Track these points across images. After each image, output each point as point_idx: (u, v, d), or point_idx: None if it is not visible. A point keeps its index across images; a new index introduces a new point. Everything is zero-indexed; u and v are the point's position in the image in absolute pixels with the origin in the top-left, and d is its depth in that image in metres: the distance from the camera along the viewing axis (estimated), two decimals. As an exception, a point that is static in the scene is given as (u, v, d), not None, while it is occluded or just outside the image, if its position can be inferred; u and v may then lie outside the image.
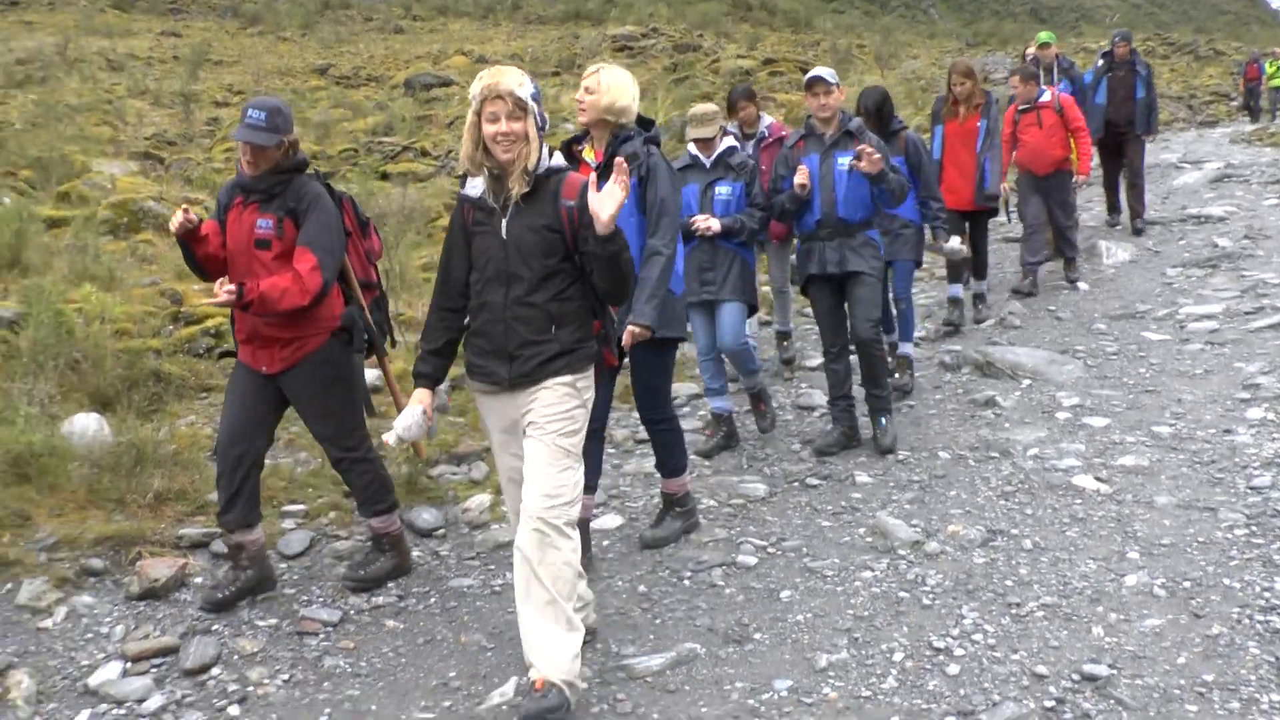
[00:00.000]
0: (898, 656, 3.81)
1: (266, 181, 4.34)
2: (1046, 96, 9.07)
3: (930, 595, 4.29)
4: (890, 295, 7.11)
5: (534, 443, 3.50)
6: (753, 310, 6.23)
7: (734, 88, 7.69)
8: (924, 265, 8.66)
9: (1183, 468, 5.37)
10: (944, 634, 3.94)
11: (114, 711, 3.72)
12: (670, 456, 4.99)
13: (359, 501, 4.68)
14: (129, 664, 4.00)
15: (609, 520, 5.34)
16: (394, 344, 5.07)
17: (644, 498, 5.61)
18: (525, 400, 3.57)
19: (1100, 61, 11.27)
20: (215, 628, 4.28)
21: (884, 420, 6.11)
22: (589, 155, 4.60)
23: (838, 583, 4.48)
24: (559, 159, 3.68)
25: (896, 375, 7.04)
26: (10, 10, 30.78)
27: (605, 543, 5.09)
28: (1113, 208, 11.90)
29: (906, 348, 7.29)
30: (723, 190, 5.92)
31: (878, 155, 5.52)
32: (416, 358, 3.79)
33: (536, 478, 3.44)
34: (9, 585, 4.42)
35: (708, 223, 5.76)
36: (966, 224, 8.32)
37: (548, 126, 3.60)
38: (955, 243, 7.25)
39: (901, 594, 4.31)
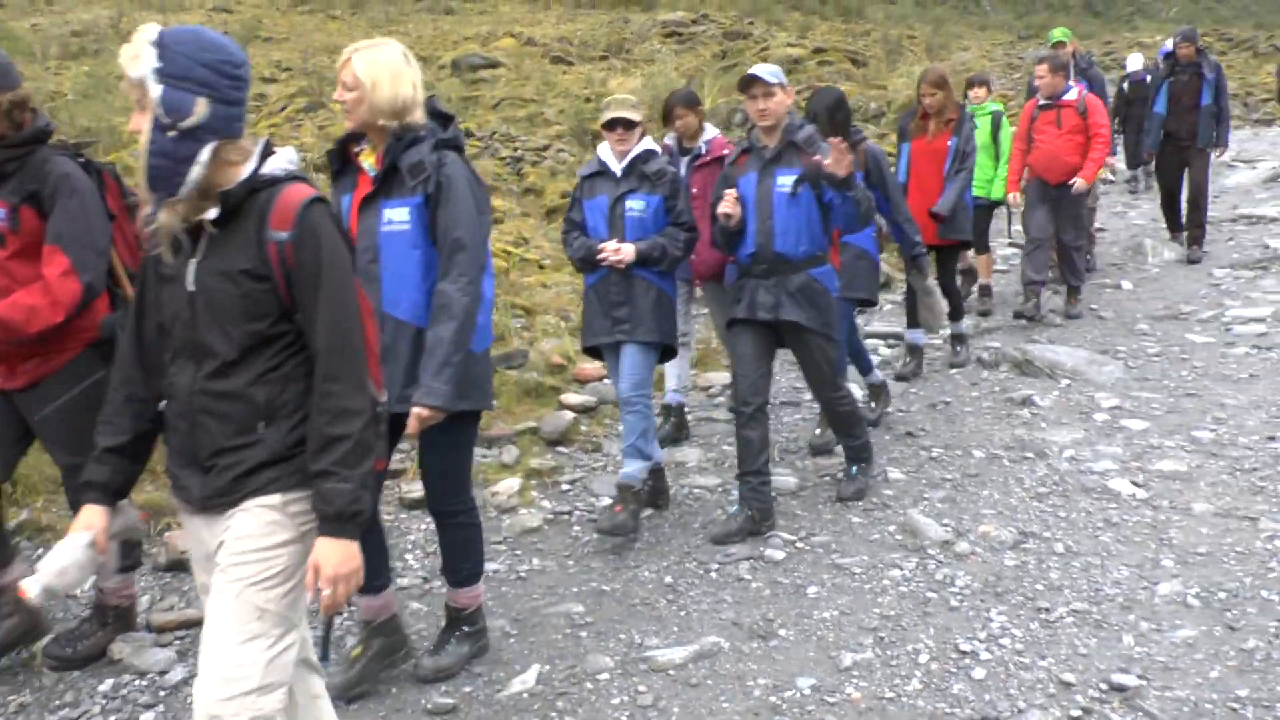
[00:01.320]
0: (923, 658, 3.76)
1: None
2: (1072, 94, 8.07)
3: (959, 597, 4.24)
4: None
5: (215, 595, 2.35)
6: (670, 353, 5.18)
7: (673, 92, 6.27)
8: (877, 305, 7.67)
9: (1223, 475, 5.27)
10: (971, 637, 3.88)
11: (136, 682, 3.76)
12: (462, 559, 3.77)
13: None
14: (154, 635, 4.03)
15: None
16: None
17: (674, 486, 5.56)
18: (219, 528, 2.39)
19: (1160, 64, 10.23)
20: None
21: (855, 468, 5.35)
22: (368, 161, 3.56)
23: (865, 580, 4.43)
24: (280, 162, 2.40)
25: (873, 406, 6.42)
26: (68, -17, 31.22)
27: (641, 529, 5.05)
28: (1174, 227, 10.51)
29: (875, 375, 6.48)
30: (636, 205, 4.87)
31: (848, 157, 4.58)
32: (90, 459, 2.51)
33: (211, 650, 2.31)
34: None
35: (619, 254, 4.79)
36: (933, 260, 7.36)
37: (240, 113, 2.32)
38: (931, 282, 6.71)
39: (930, 594, 4.26)
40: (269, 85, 17.29)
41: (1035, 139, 8.14)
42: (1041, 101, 8.17)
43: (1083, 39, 50.69)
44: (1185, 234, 10.28)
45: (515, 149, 13.71)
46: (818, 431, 6.11)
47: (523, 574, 4.67)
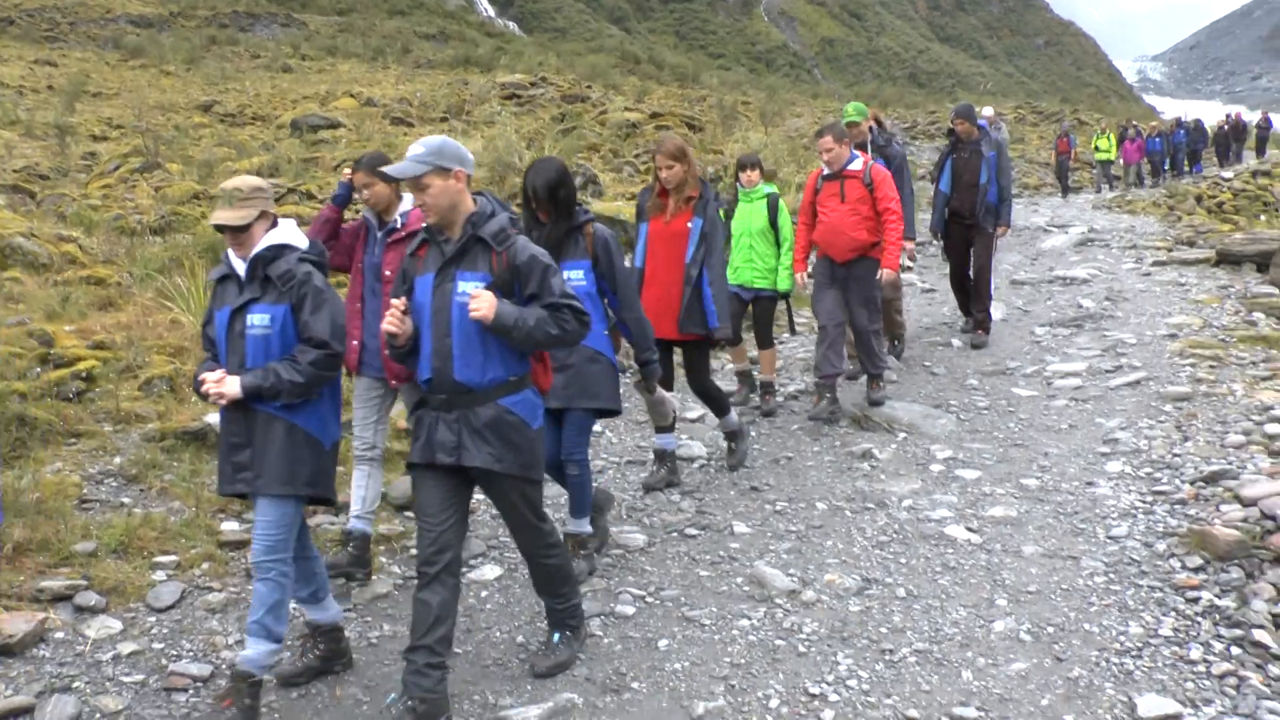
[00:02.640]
0: (774, 703, 3.89)
1: None
2: (857, 164, 7.41)
3: (806, 643, 4.40)
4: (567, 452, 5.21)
5: None
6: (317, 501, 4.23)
7: (361, 156, 5.34)
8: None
9: (1048, 518, 5.62)
10: (819, 680, 4.04)
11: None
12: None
13: None
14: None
15: (488, 571, 5.33)
16: None
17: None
18: None
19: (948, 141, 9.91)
20: (76, 685, 4.13)
21: (559, 636, 4.34)
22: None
23: (715, 631, 4.56)
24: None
25: (583, 552, 5.27)
26: None
27: (484, 593, 5.08)
28: (965, 308, 10.15)
29: (580, 524, 5.26)
30: (258, 320, 3.92)
31: (486, 301, 3.67)
32: None
33: None
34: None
35: (220, 387, 3.85)
36: (672, 358, 6.61)
37: None
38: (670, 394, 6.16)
39: (778, 642, 4.41)
40: (100, 144, 16.75)
41: (819, 212, 7.53)
42: (825, 172, 7.55)
43: (908, 108, 53.30)
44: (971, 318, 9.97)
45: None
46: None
47: (374, 640, 4.63)
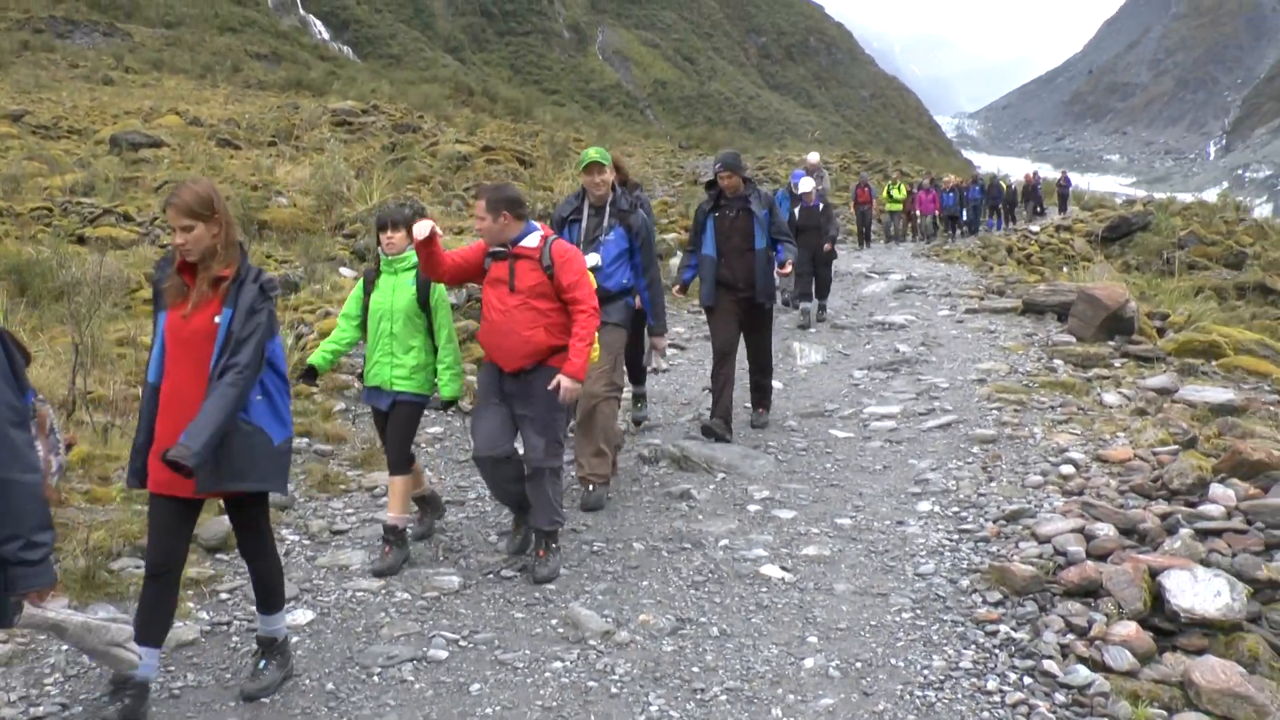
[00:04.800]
0: (585, 745, 3.91)
1: None
2: (532, 238, 5.54)
3: (619, 684, 4.44)
4: None
5: None
6: None
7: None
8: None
9: (860, 557, 5.85)
10: (631, 721, 4.09)
11: None
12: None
13: None
14: None
15: (300, 615, 5.19)
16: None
17: (337, 591, 5.50)
18: None
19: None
20: None
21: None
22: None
23: (528, 674, 4.55)
24: None
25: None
26: None
27: (295, 639, 4.94)
28: (718, 407, 8.21)
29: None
30: None
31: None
32: None
33: None
34: None
35: None
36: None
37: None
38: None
39: (591, 683, 4.44)
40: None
41: (483, 304, 5.79)
42: (492, 248, 5.65)
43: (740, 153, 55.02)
44: (753, 409, 8.70)
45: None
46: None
47: (176, 691, 4.43)
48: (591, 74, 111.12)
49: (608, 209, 6.95)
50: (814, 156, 19.53)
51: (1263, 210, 75.24)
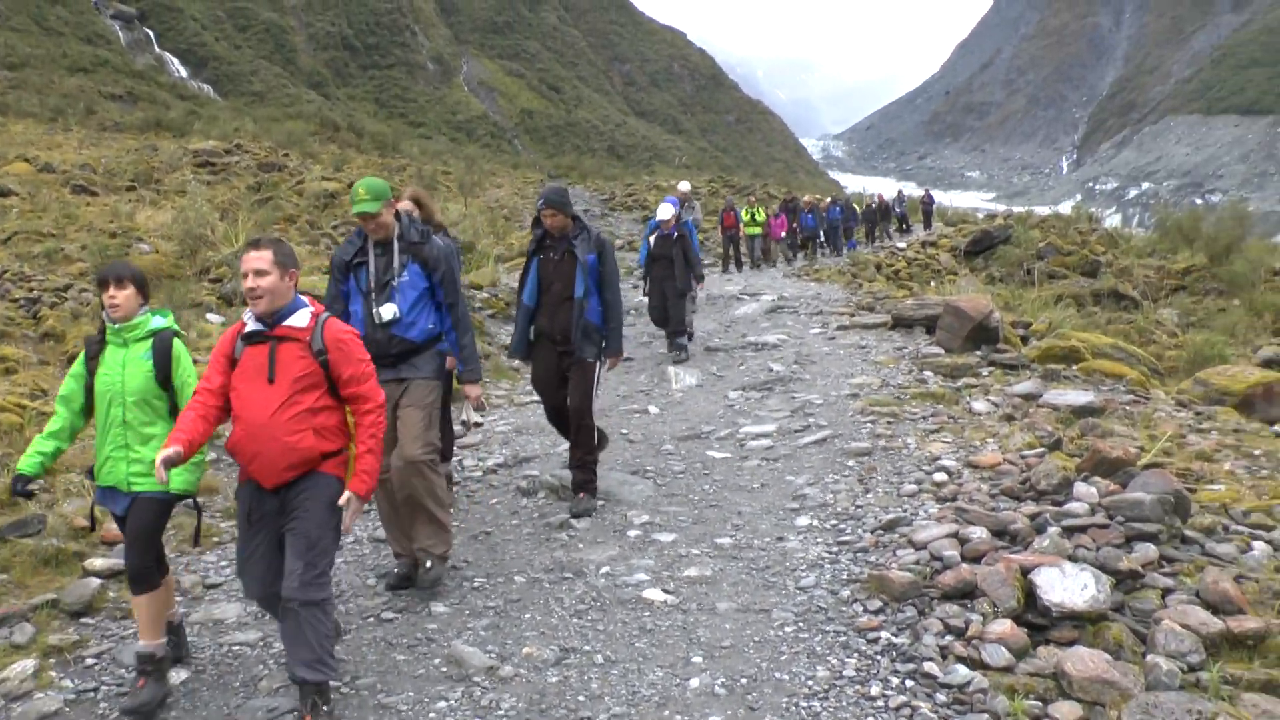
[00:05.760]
0: (471, 783, 3.88)
1: None
2: (300, 317, 4.55)
3: (504, 719, 4.42)
4: None
5: None
6: None
7: None
8: None
9: (742, 574, 5.94)
10: (518, 754, 4.07)
11: None
12: None
13: None
14: None
15: (175, 674, 5.02)
16: None
17: (213, 646, 5.34)
18: None
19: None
20: None
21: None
22: None
23: (413, 716, 4.50)
24: None
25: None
26: None
27: (170, 699, 4.79)
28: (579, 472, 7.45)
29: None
30: None
31: None
32: None
33: None
34: None
35: None
36: None
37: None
38: None
39: (475, 721, 4.42)
40: None
41: (232, 400, 4.54)
42: (248, 327, 4.59)
43: (607, 180, 55.23)
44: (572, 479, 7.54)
45: (31, 289, 12.73)
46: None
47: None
48: (457, 105, 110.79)
49: (396, 244, 5.90)
50: (685, 186, 19.64)
51: (1112, 220, 78.94)
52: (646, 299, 14.09)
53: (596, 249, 7.25)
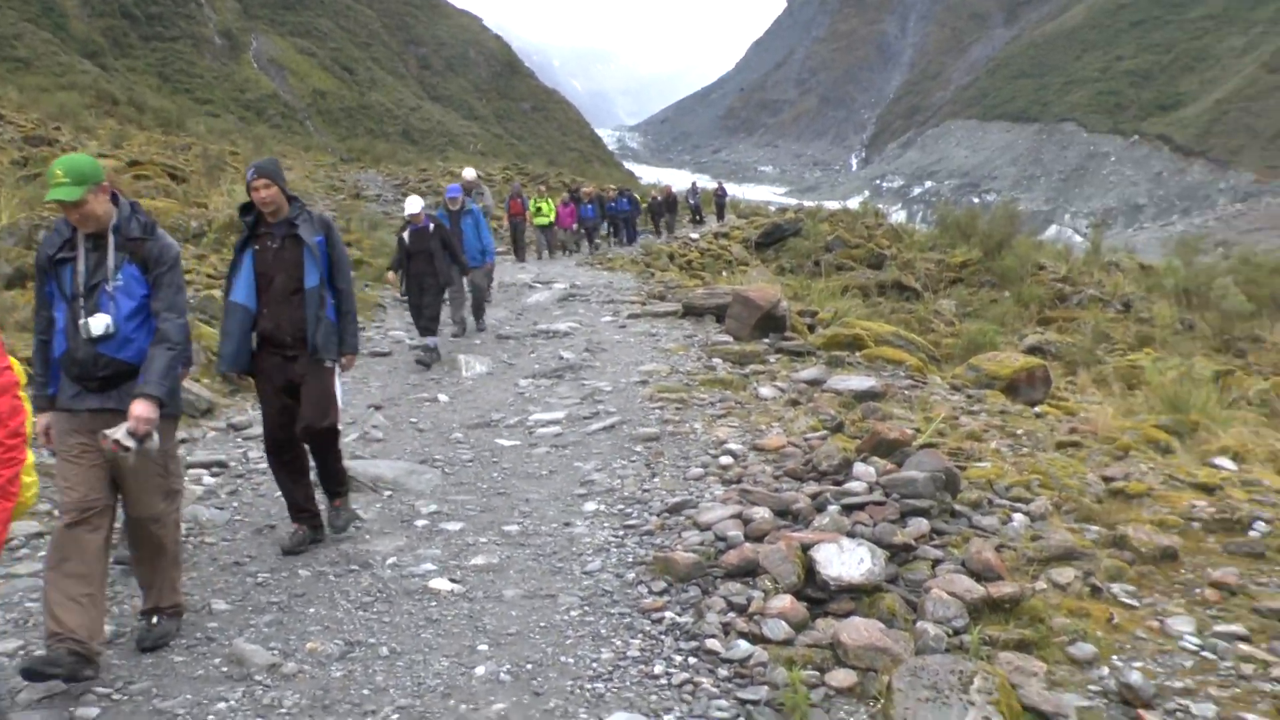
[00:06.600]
0: (241, 782, 3.75)
1: None
2: None
3: (286, 717, 4.30)
4: None
5: None
6: None
7: None
8: None
9: (529, 561, 5.95)
10: (295, 752, 3.96)
11: None
12: None
13: None
14: None
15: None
16: None
17: None
18: None
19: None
20: None
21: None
22: None
23: (190, 720, 4.32)
24: None
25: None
26: None
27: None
28: (294, 507, 6.42)
29: None
30: None
31: None
32: None
33: None
34: None
35: None
36: None
37: None
38: None
39: (256, 720, 4.28)
40: None
41: None
42: None
43: (401, 165, 54.38)
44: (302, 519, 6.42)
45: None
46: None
47: None
48: (247, 83, 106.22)
49: (111, 238, 4.84)
50: (470, 172, 19.35)
51: (898, 216, 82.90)
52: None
53: (322, 230, 6.18)
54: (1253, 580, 5.50)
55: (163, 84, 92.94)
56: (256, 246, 6.12)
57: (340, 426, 6.49)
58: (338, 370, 6.25)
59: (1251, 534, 6.11)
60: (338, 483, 6.53)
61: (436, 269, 12.39)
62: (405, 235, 12.59)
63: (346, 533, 6.57)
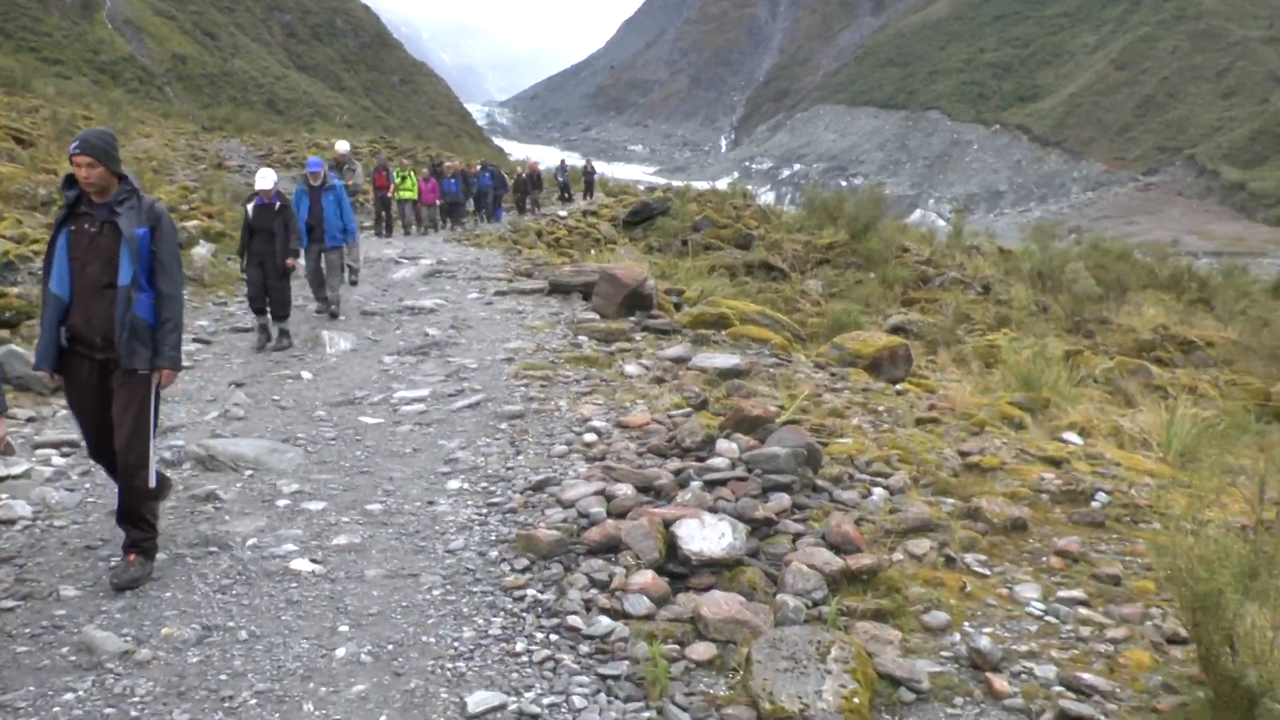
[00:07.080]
0: (89, 770, 3.65)
1: None
2: None
3: (139, 705, 4.18)
4: None
5: None
6: None
7: None
8: None
9: (392, 540, 5.89)
10: (145, 738, 3.87)
11: None
12: None
13: None
14: None
15: None
16: None
17: None
18: None
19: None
20: None
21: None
22: None
23: (33, 713, 4.15)
24: None
25: None
26: None
27: None
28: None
29: None
30: None
31: None
32: None
33: None
34: None
35: None
36: None
37: None
38: None
39: (108, 710, 4.14)
40: None
41: None
42: None
43: (266, 135, 52.80)
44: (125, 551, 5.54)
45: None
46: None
47: None
48: (101, 44, 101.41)
49: None
50: (343, 146, 19.00)
51: (766, 197, 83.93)
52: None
53: (149, 222, 5.43)
54: (1093, 548, 5.79)
55: (5, 40, 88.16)
56: (73, 228, 5.39)
57: (153, 464, 5.56)
58: (155, 383, 5.53)
59: (1093, 505, 6.44)
60: (136, 528, 5.53)
61: (277, 251, 11.70)
62: (249, 209, 11.77)
63: (219, 500, 6.51)
